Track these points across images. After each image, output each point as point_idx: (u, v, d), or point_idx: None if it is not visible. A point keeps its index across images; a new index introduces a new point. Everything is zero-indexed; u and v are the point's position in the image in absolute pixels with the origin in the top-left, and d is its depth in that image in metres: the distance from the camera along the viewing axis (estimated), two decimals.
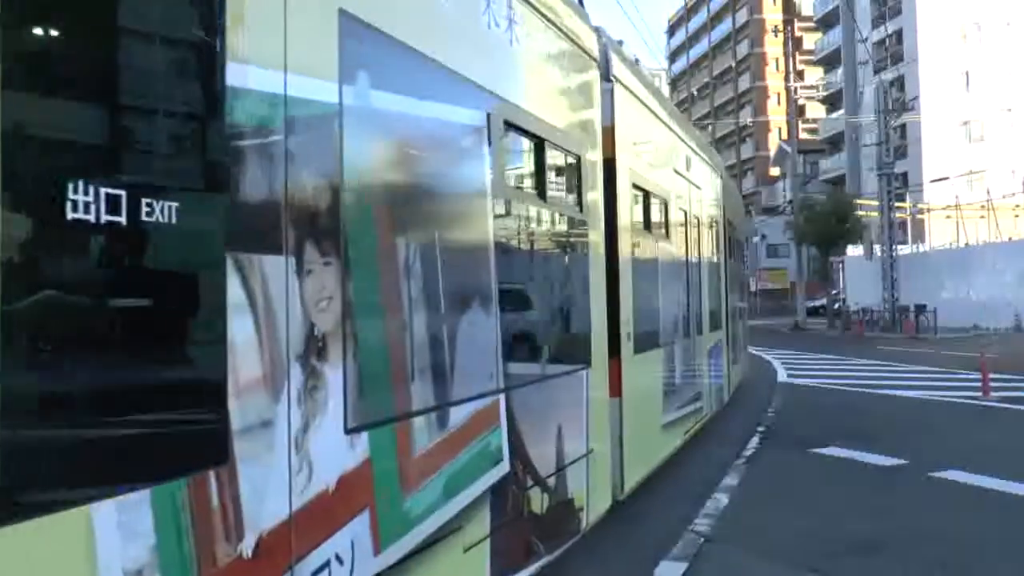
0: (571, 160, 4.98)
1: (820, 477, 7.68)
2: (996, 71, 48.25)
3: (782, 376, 16.78)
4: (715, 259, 10.94)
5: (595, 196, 5.35)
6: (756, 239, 54.68)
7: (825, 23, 63.49)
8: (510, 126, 4.00)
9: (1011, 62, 48.10)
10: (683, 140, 8.92)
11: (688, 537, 5.62)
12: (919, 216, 45.78)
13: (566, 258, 5.11)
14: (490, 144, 3.71)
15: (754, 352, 23.42)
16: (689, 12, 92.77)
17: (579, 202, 5.09)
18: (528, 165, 4.59)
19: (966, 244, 38.45)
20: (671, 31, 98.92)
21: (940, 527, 5.91)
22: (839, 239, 37.91)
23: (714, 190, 11.22)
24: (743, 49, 79.89)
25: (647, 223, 7.03)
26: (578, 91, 5.21)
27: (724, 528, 5.86)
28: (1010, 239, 36.49)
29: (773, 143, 70.52)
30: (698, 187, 9.56)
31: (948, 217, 42.54)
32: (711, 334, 10.15)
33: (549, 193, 4.62)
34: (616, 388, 5.69)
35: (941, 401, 12.59)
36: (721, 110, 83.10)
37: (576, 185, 5.08)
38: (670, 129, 8.24)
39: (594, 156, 5.33)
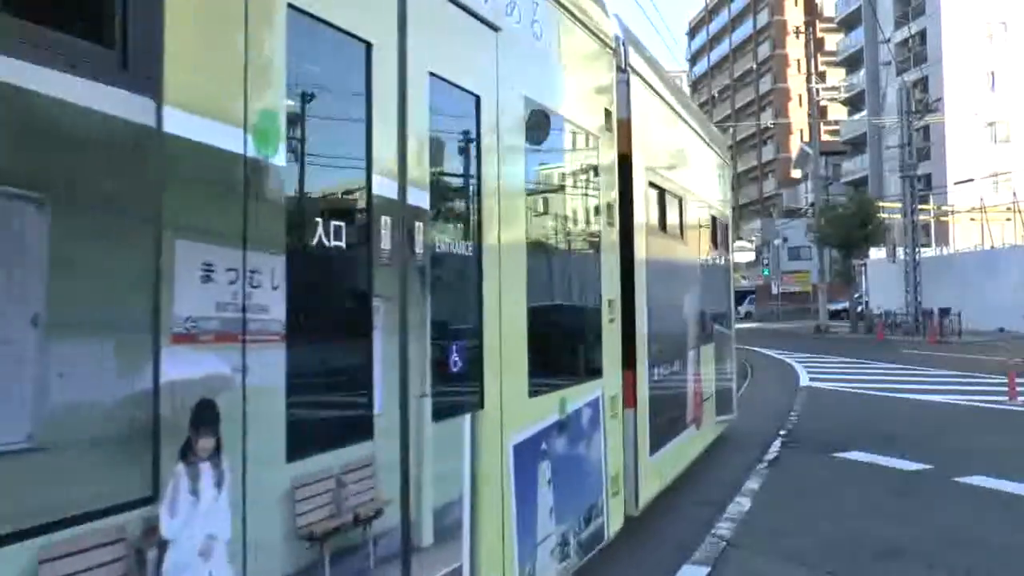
0: None
1: (843, 481, 7.64)
2: (1023, 71, 47.64)
3: (804, 380, 16.69)
4: (572, 229, 4.96)
5: None
6: (777, 242, 54.44)
7: (847, 24, 63.00)
8: None
9: None
10: None
11: (710, 541, 5.62)
12: (943, 218, 45.29)
13: None
14: None
15: (776, 355, 23.34)
16: (710, 14, 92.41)
17: None
18: None
19: (991, 247, 37.97)
20: (692, 33, 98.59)
21: (965, 532, 5.86)
22: (861, 242, 37.58)
23: (587, 72, 5.11)
24: (764, 51, 79.46)
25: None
26: None
27: (746, 532, 5.85)
28: None
29: (795, 145, 70.04)
30: (493, 24, 3.75)
31: (973, 219, 42.06)
32: (547, 400, 4.25)
33: None
34: None
35: (966, 405, 12.45)
36: (742, 112, 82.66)
37: None
38: None
39: None
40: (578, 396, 4.66)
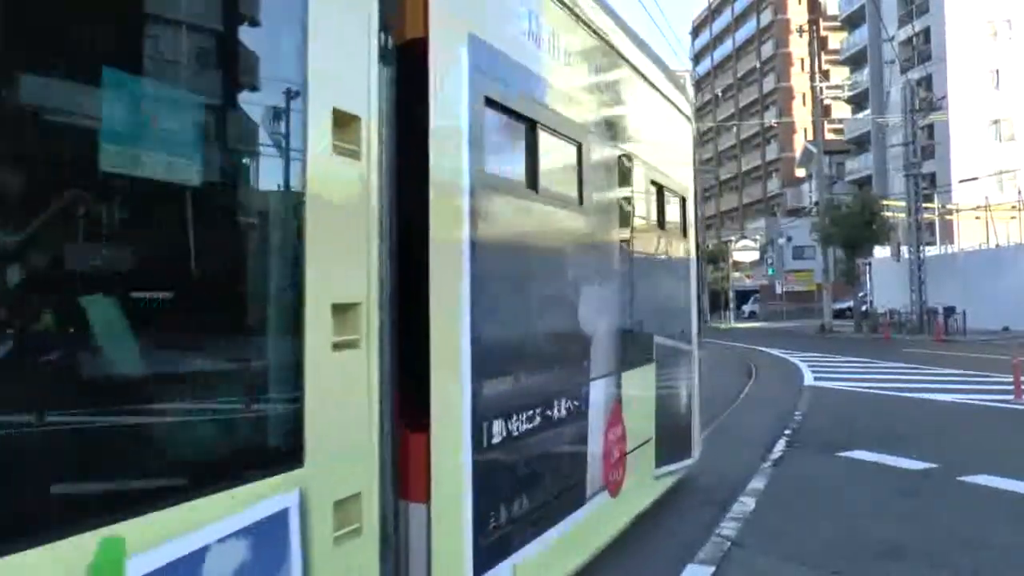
0: None
1: (847, 481, 7.61)
2: None
3: (808, 379, 16.65)
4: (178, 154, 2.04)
5: None
6: (781, 241, 54.36)
7: (851, 22, 62.90)
8: None
9: None
10: None
11: (714, 541, 5.61)
12: (947, 217, 45.19)
13: None
14: None
15: (780, 355, 23.32)
16: (713, 13, 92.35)
17: None
18: None
19: (996, 245, 37.87)
20: (695, 32, 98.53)
21: (970, 533, 5.84)
22: (866, 240, 37.53)
23: None
24: (768, 50, 79.34)
25: None
26: None
27: (750, 532, 5.84)
28: None
29: (799, 144, 69.94)
30: None
31: (978, 218, 41.94)
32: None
33: None
34: None
35: (971, 405, 12.41)
36: (746, 111, 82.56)
37: None
38: None
39: None
40: (189, 526, 1.97)
